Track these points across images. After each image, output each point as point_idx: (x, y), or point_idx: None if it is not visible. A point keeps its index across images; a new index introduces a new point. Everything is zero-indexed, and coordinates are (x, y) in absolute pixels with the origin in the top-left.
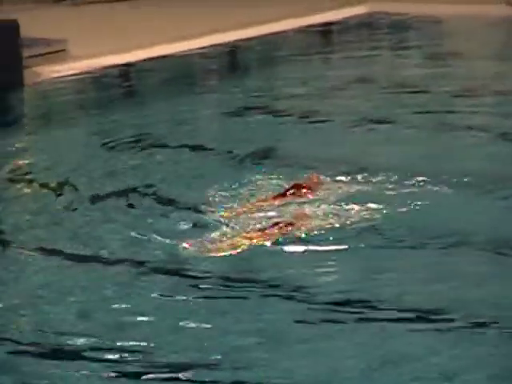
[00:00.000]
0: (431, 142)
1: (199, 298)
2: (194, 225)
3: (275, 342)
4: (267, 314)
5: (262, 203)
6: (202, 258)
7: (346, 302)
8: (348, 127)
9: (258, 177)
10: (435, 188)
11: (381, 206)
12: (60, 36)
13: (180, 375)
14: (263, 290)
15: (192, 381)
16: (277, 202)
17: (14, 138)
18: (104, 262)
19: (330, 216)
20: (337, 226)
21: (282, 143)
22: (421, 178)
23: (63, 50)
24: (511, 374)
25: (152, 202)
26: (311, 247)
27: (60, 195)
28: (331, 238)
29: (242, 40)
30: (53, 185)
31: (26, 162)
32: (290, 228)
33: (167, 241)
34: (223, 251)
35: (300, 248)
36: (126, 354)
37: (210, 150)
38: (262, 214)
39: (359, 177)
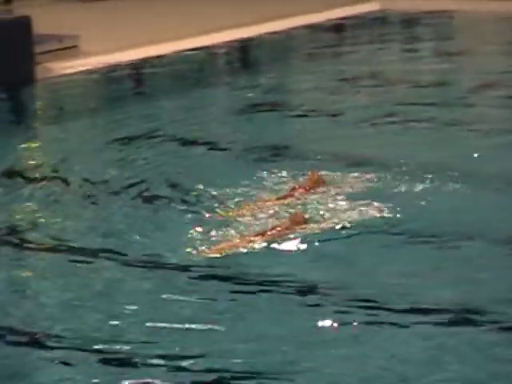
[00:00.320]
0: (443, 137)
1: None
2: (197, 224)
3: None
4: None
5: (264, 203)
6: (201, 258)
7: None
8: (359, 123)
9: (266, 173)
10: (447, 184)
11: (392, 202)
12: (72, 32)
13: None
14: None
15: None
16: (279, 203)
17: (25, 134)
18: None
19: (340, 214)
20: (346, 224)
21: (292, 139)
22: (432, 174)
23: (75, 47)
24: None
25: (157, 198)
26: (320, 247)
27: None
28: (343, 236)
29: (253, 36)
30: (64, 179)
31: (38, 157)
32: (289, 231)
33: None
34: (219, 253)
35: (307, 248)
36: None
37: (220, 146)
38: (262, 216)
39: (369, 172)
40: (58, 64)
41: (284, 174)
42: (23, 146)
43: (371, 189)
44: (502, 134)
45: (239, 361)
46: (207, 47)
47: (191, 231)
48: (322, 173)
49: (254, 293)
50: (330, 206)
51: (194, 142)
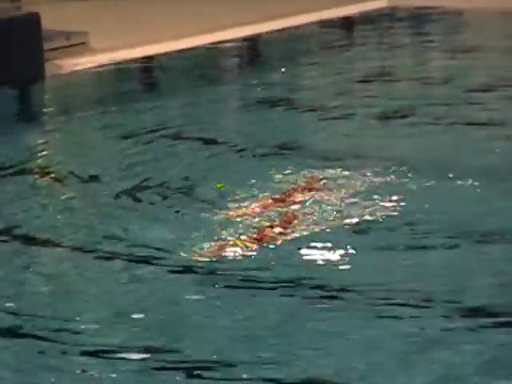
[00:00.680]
0: (452, 135)
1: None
2: (196, 223)
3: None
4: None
5: (263, 204)
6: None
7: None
8: (368, 120)
9: (273, 170)
10: (457, 181)
11: (402, 200)
12: (80, 29)
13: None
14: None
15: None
16: (278, 204)
17: (34, 131)
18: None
19: (346, 212)
20: (352, 222)
21: (301, 137)
22: (442, 172)
23: (83, 43)
24: None
25: (165, 196)
26: (331, 246)
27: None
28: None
29: (262, 33)
30: (72, 175)
31: (46, 153)
32: (282, 231)
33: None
34: (213, 255)
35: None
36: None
37: (228, 143)
38: (257, 219)
39: (379, 170)
40: (66, 61)
41: (290, 171)
42: (31, 142)
43: (379, 186)
44: None
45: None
46: (215, 44)
47: (187, 231)
48: (331, 171)
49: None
50: (336, 204)
51: (200, 139)
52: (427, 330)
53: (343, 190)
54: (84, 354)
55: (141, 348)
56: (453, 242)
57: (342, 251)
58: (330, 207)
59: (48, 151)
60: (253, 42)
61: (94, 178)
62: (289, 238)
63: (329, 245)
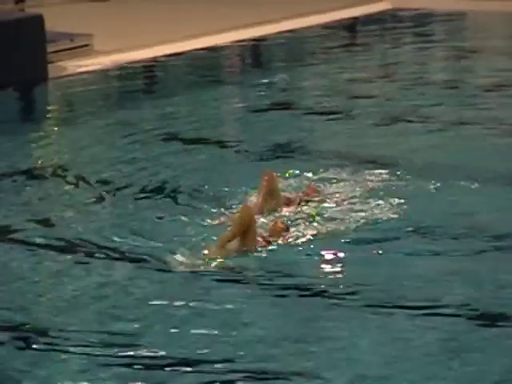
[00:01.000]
0: (456, 136)
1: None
2: (193, 228)
3: None
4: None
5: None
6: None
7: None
8: (371, 122)
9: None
10: (461, 183)
11: (405, 203)
12: (85, 31)
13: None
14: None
15: None
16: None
17: (37, 132)
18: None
19: (351, 214)
20: (358, 225)
21: (303, 138)
22: (446, 173)
23: (87, 45)
24: None
25: (163, 198)
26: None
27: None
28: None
29: (266, 36)
30: (75, 177)
31: (49, 155)
32: (271, 239)
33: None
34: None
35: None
36: None
37: (231, 144)
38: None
39: (381, 172)
40: (70, 63)
41: (290, 175)
42: (35, 144)
43: (384, 188)
44: None
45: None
46: (219, 46)
47: (182, 237)
48: (335, 170)
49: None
50: (342, 205)
51: (204, 141)
52: (442, 335)
53: (343, 193)
54: None
55: None
56: (463, 247)
57: (343, 257)
58: (329, 210)
59: (49, 153)
60: (255, 43)
61: (94, 179)
62: (285, 243)
63: (329, 251)
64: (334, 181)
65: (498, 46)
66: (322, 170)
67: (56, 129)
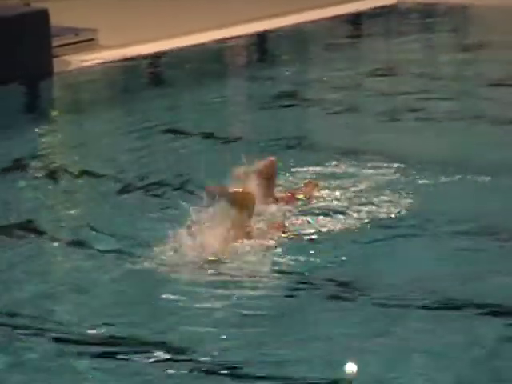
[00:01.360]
0: (462, 131)
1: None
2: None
3: None
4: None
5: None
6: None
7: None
8: (377, 116)
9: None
10: (467, 177)
11: (412, 198)
12: (89, 25)
13: None
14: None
15: None
16: (272, 208)
17: (42, 127)
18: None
19: (356, 208)
20: (362, 220)
21: (310, 132)
22: (453, 168)
23: (92, 40)
24: None
25: (167, 192)
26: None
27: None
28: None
29: (271, 30)
30: (80, 171)
31: (55, 149)
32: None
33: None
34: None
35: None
36: None
37: (236, 139)
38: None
39: (387, 166)
40: (75, 57)
41: (299, 167)
42: (40, 139)
43: (390, 183)
44: None
45: None
46: (225, 40)
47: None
48: (340, 164)
49: None
50: (347, 199)
51: (210, 135)
52: (459, 334)
53: (348, 188)
54: None
55: None
56: (471, 241)
57: (350, 250)
58: (333, 205)
59: (54, 147)
60: (261, 37)
61: (99, 173)
62: (291, 236)
63: (337, 244)
64: (339, 175)
65: (505, 38)
66: (327, 164)
67: (61, 123)
